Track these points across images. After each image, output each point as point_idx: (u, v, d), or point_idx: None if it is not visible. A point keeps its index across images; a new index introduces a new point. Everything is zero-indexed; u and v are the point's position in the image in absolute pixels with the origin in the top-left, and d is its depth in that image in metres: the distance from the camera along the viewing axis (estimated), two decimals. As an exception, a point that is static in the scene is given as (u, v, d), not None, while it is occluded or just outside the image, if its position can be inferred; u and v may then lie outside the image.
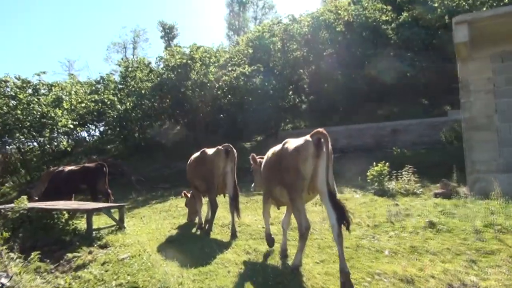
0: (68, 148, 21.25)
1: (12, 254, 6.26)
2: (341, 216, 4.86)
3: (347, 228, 4.95)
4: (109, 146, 28.55)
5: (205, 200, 9.69)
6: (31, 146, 22.71)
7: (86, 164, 12.69)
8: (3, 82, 19.21)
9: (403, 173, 11.64)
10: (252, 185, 8.43)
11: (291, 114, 24.86)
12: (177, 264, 6.06)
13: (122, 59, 31.30)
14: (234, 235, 7.91)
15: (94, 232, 8.20)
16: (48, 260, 6.73)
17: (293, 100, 24.29)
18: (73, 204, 9.19)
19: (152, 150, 23.98)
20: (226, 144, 8.38)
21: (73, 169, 12.28)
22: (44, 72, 20.85)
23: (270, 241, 6.74)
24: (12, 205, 8.75)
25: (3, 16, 72.89)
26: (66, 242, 7.79)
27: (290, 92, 23.43)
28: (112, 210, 9.50)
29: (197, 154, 9.06)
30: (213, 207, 8.46)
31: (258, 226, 8.62)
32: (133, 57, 26.95)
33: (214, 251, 6.74)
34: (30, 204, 9.00)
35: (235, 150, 8.36)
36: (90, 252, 7.00)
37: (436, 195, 10.06)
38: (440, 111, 20.83)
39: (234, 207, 8.09)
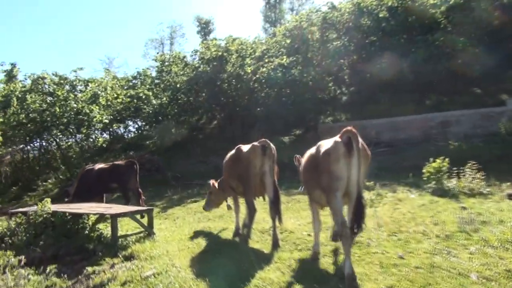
0: (103, 144, 20.67)
1: (22, 271, 5.35)
2: (358, 223, 4.73)
3: (355, 233, 4.86)
4: (147, 142, 28.05)
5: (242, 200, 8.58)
6: (69, 143, 22.37)
7: (116, 162, 11.83)
8: (40, 79, 18.84)
9: (466, 170, 10.07)
10: (300, 188, 8.02)
11: (331, 106, 23.35)
12: (209, 286, 4.95)
13: (157, 53, 30.68)
14: (276, 245, 6.72)
15: (120, 240, 7.25)
16: (66, 275, 5.81)
17: (334, 92, 22.75)
18: (98, 207, 8.27)
19: (188, 146, 23.15)
20: (263, 139, 7.17)
21: (102, 167, 11.45)
22: (81, 68, 20.45)
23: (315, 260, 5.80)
24: (36, 208, 7.95)
25: (45, 15, 74.73)
26: (90, 251, 6.86)
27: (330, 84, 21.89)
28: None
29: (232, 151, 7.95)
30: (251, 211, 7.29)
31: (303, 233, 7.39)
32: (170, 52, 26.08)
33: (253, 267, 5.58)
34: (54, 206, 8.18)
35: (273, 146, 7.15)
36: (112, 266, 6.04)
37: (510, 197, 8.47)
38: (495, 101, 18.78)
39: (275, 211, 6.90)
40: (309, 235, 7.20)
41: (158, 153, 23.45)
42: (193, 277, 5.26)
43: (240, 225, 8.17)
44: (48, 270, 5.75)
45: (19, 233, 7.36)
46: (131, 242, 7.19)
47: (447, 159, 10.21)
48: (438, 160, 10.25)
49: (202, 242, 7.31)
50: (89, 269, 5.87)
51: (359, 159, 4.62)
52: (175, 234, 8.21)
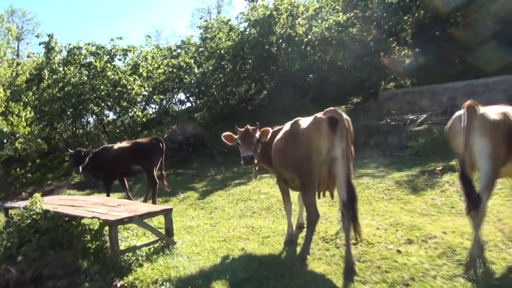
0: (143, 119, 18.76)
1: None
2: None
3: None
4: (195, 114, 26.13)
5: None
6: (109, 117, 20.84)
7: (139, 140, 9.66)
8: (76, 49, 17.04)
9: None
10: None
11: (394, 70, 19.90)
12: None
13: (200, 19, 28.27)
14: (350, 270, 4.16)
15: (125, 255, 5.00)
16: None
17: (397, 54, 19.27)
18: (103, 205, 5.99)
19: (236, 118, 20.85)
20: (331, 108, 4.55)
21: (122, 146, 9.32)
22: (120, 38, 18.37)
23: None
24: (26, 203, 5.89)
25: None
26: (82, 272, 4.69)
27: (394, 44, 18.44)
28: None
29: (286, 126, 5.24)
30: (311, 217, 4.68)
31: (389, 247, 4.76)
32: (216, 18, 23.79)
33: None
34: (49, 200, 6.11)
35: (347, 117, 4.50)
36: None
37: None
38: None
39: (349, 220, 4.29)
40: (398, 251, 4.58)
41: (205, 126, 21.48)
42: None
43: (293, 228, 5.67)
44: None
45: (2, 241, 5.35)
46: (140, 258, 4.92)
47: None
48: None
49: (238, 261, 4.87)
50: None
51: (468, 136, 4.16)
52: (205, 240, 5.86)
